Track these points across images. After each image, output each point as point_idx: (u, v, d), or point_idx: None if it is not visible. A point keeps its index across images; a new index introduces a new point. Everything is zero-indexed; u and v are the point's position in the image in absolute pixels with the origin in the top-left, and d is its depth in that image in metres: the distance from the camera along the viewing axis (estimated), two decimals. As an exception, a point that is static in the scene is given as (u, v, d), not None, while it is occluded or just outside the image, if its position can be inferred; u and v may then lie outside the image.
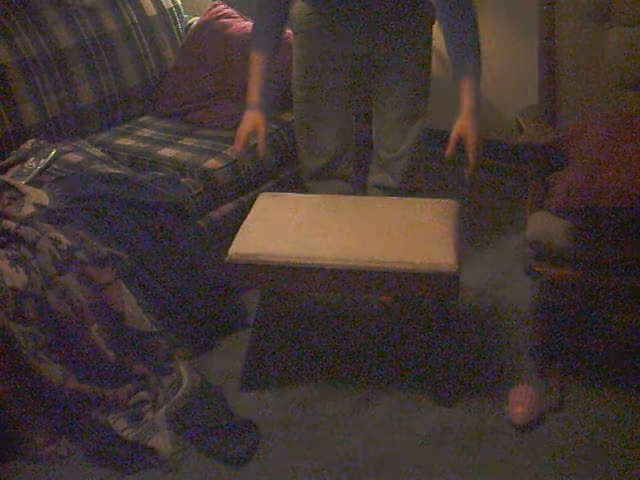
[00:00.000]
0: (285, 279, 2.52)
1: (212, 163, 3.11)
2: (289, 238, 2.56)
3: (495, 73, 3.74)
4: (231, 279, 2.58)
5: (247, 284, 2.65)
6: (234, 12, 3.64)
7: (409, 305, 2.97)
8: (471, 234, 3.21)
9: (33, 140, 3.14)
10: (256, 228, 2.63)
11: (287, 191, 2.99)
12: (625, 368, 2.68)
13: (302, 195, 2.87)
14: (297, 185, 3.18)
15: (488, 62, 3.72)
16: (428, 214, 2.67)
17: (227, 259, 2.53)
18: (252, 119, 2.72)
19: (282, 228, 2.62)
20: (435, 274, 2.43)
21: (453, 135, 2.62)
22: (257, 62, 2.76)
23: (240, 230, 2.64)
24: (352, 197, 2.84)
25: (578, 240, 2.43)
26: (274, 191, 3.04)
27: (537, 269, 2.50)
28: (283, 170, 3.36)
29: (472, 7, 2.71)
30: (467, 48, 2.71)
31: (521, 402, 2.51)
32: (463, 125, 2.63)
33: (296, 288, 2.71)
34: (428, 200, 2.77)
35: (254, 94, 2.74)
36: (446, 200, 2.77)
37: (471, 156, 2.59)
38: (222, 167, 3.11)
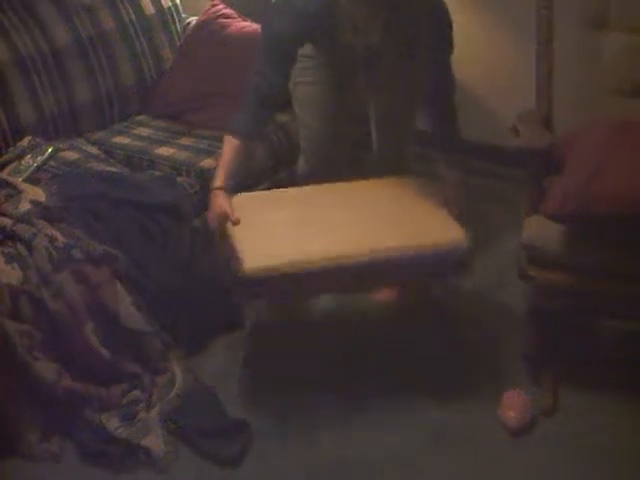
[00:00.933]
0: (307, 284, 2.49)
1: (208, 163, 3.11)
2: (297, 241, 2.50)
3: (492, 77, 3.75)
4: (246, 293, 2.52)
5: (266, 296, 2.60)
6: (233, 12, 3.63)
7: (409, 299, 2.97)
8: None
9: (30, 137, 3.14)
10: (255, 236, 2.53)
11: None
12: (617, 372, 2.68)
13: (278, 191, 2.82)
14: (293, 186, 3.17)
15: (485, 66, 3.76)
16: (419, 192, 2.67)
17: (241, 275, 2.43)
18: (218, 204, 2.61)
19: (281, 232, 2.55)
20: (448, 250, 2.46)
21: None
22: (231, 147, 2.66)
23: (236, 240, 2.53)
24: (328, 186, 2.75)
25: (572, 245, 2.44)
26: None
27: (531, 273, 2.51)
28: (279, 171, 3.36)
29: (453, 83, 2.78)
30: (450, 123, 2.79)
31: (514, 406, 2.52)
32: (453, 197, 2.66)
33: (318, 291, 2.68)
34: (414, 180, 2.76)
35: (220, 179, 2.64)
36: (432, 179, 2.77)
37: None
38: (218, 167, 3.11)
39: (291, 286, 2.48)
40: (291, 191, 2.79)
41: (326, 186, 2.76)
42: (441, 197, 2.64)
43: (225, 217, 2.58)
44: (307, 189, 2.78)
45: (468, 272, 2.60)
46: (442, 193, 2.67)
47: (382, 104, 2.90)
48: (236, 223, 2.56)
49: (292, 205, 2.68)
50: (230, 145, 2.66)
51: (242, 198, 2.70)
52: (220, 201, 2.60)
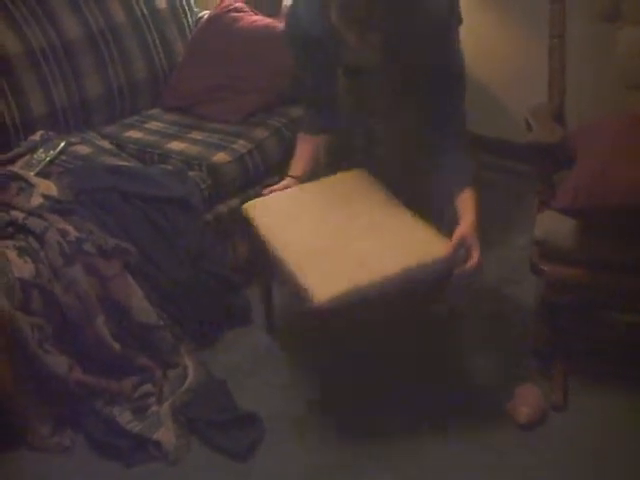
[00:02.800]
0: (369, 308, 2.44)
1: (220, 157, 3.11)
2: (350, 265, 2.44)
3: (504, 71, 3.74)
4: (322, 322, 2.45)
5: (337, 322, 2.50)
6: (244, 6, 3.63)
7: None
8: (479, 233, 3.19)
9: (42, 131, 3.15)
10: (304, 257, 2.48)
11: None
12: (629, 368, 2.67)
13: (286, 195, 2.78)
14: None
15: (498, 60, 3.75)
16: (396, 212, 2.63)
17: (316, 308, 2.35)
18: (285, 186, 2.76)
19: (319, 244, 2.52)
20: (434, 265, 2.42)
21: (456, 239, 2.47)
22: (305, 141, 2.81)
23: (291, 265, 2.46)
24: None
25: (584, 239, 2.43)
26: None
27: (543, 268, 2.50)
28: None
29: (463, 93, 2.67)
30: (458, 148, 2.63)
31: (525, 401, 2.51)
32: (468, 235, 2.47)
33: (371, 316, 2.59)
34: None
35: (296, 169, 2.79)
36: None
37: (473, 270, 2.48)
38: (230, 161, 3.11)
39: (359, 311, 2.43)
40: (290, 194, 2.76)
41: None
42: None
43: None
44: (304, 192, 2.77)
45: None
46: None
47: (391, 113, 2.86)
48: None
49: (310, 213, 2.67)
50: (304, 141, 2.81)
51: (256, 208, 2.73)
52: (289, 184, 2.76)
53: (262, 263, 2.76)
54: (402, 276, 2.40)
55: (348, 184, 2.78)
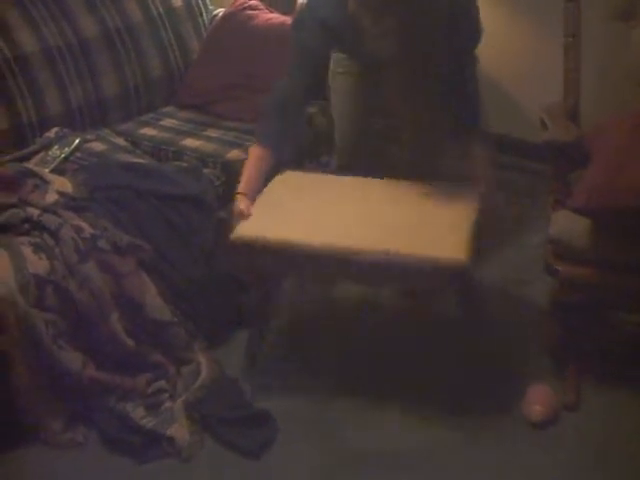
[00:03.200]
0: (286, 264, 2.53)
1: (235, 154, 3.12)
2: (296, 223, 2.55)
3: (519, 70, 3.73)
4: (233, 261, 2.59)
5: (249, 269, 2.63)
6: (259, 4, 3.64)
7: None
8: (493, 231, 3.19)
9: (57, 128, 3.16)
10: (267, 209, 2.61)
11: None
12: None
13: (323, 175, 2.85)
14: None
15: (512, 58, 3.74)
16: (447, 203, 2.62)
17: (230, 242, 2.53)
18: (238, 208, 2.61)
19: (295, 210, 2.60)
20: (443, 268, 2.39)
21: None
22: (256, 156, 2.69)
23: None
24: (375, 181, 2.75)
25: (599, 239, 2.42)
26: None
27: (557, 267, 2.49)
28: (304, 162, 3.36)
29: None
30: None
31: (538, 400, 2.51)
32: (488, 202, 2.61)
33: (295, 273, 2.70)
34: (450, 186, 2.70)
35: (242, 186, 2.66)
36: (469, 188, 2.69)
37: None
38: (244, 158, 3.09)
39: (272, 262, 2.53)
40: (336, 179, 2.82)
41: (359, 180, 2.77)
42: (465, 209, 2.59)
43: (242, 219, 2.59)
44: (343, 180, 2.79)
45: (469, 291, 2.53)
46: (470, 202, 2.62)
47: (410, 107, 2.86)
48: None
49: (327, 191, 2.72)
50: (255, 154, 2.70)
51: (286, 175, 2.78)
52: (241, 205, 2.61)
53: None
54: (386, 259, 2.40)
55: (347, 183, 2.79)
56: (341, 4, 2.61)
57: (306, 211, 2.61)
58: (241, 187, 2.66)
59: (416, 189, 2.69)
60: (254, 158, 2.69)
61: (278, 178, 2.77)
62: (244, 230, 2.54)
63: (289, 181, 2.77)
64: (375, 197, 2.69)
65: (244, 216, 2.58)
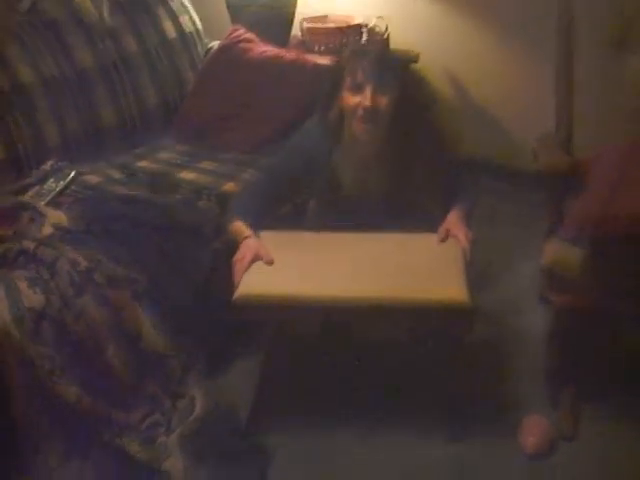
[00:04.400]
0: (293, 319, 2.56)
1: (230, 187, 3.12)
2: (297, 277, 2.55)
3: (512, 99, 3.76)
4: (238, 320, 2.58)
5: (255, 323, 2.65)
6: (254, 37, 3.66)
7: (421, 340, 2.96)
8: (485, 261, 3.20)
9: (52, 161, 3.16)
10: (261, 268, 2.60)
11: (300, 216, 3.00)
12: (638, 398, 2.67)
13: (302, 233, 2.86)
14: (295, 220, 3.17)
15: (505, 88, 3.77)
16: (434, 248, 2.66)
17: (234, 301, 2.53)
18: (253, 247, 2.66)
19: (290, 266, 2.61)
20: (449, 309, 2.42)
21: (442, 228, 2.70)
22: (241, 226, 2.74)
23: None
24: (355, 234, 2.76)
25: (592, 268, 2.43)
26: (290, 215, 3.05)
27: (550, 297, 2.50)
28: (299, 196, 3.35)
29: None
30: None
31: (533, 431, 2.51)
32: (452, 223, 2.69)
33: (304, 327, 2.75)
34: (432, 234, 2.72)
35: (246, 230, 2.72)
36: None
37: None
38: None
39: (277, 317, 2.56)
40: (316, 235, 2.81)
41: (335, 235, 2.77)
42: (451, 251, 2.63)
43: (260, 258, 2.63)
44: (331, 235, 2.79)
45: (467, 331, 2.54)
46: (453, 245, 2.66)
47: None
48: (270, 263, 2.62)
49: (312, 246, 2.73)
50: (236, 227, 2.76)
51: (265, 236, 2.74)
52: (255, 244, 2.66)
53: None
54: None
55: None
56: (326, 154, 2.75)
57: (301, 266, 2.61)
58: (245, 233, 2.70)
59: (397, 238, 2.73)
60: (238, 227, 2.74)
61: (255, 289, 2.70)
62: (248, 288, 2.53)
63: (270, 240, 2.72)
64: (360, 248, 2.69)
65: (265, 256, 2.62)
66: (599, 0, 2.79)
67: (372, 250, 2.67)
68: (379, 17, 3.75)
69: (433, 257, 2.61)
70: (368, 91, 2.61)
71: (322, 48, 3.78)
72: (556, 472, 2.46)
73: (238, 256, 2.65)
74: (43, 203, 2.92)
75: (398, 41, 3.75)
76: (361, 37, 3.81)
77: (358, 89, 2.63)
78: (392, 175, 2.74)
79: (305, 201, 3.05)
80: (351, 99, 2.64)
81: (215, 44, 3.81)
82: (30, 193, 3.01)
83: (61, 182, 3.05)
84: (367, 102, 2.60)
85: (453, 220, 2.71)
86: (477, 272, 2.67)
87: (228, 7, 3.94)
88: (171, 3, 3.76)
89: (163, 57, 3.66)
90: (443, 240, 2.66)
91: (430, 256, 2.62)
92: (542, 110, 2.93)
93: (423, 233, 2.73)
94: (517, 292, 3.17)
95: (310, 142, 2.78)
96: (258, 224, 2.76)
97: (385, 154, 2.73)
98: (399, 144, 2.71)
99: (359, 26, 3.82)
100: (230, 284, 2.62)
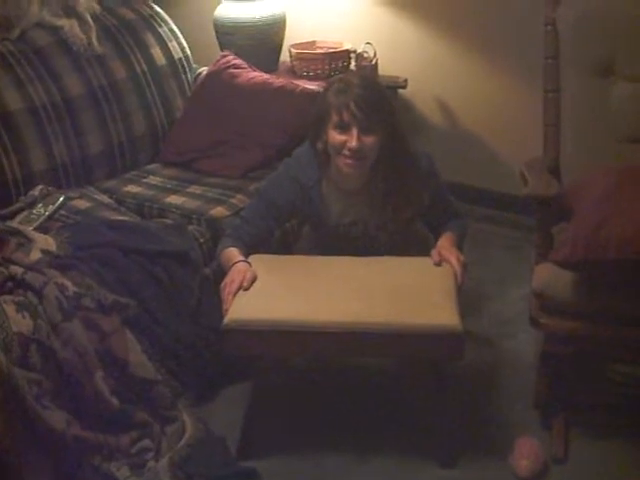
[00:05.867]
0: (285, 344, 2.51)
1: (219, 211, 3.12)
2: (287, 302, 2.54)
3: (500, 124, 3.78)
4: (228, 346, 2.55)
5: (245, 351, 2.60)
6: (243, 63, 3.67)
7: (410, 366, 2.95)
8: (476, 285, 3.20)
9: (41, 186, 3.16)
10: (251, 293, 2.59)
11: (290, 240, 2.99)
12: (630, 420, 2.66)
13: (293, 257, 2.87)
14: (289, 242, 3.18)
15: (492, 113, 3.79)
16: (426, 273, 2.66)
17: (224, 326, 2.50)
18: (240, 272, 2.65)
19: (283, 290, 2.61)
20: (440, 335, 2.41)
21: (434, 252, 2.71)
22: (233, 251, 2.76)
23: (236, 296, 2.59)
24: (346, 258, 2.76)
25: (583, 292, 2.43)
26: (279, 240, 3.05)
27: (542, 321, 2.50)
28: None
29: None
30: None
31: (525, 454, 2.50)
32: (443, 248, 2.71)
33: (296, 353, 2.71)
34: (424, 258, 2.73)
35: (238, 256, 2.73)
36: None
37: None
38: (228, 215, 3.11)
39: (269, 342, 2.51)
40: (307, 259, 2.82)
41: (344, 259, 2.76)
42: (443, 276, 2.63)
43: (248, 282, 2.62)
44: (323, 259, 2.79)
45: (459, 358, 2.50)
46: (445, 270, 2.66)
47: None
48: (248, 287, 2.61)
49: (303, 271, 2.72)
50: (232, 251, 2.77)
51: (255, 260, 2.74)
52: (244, 267, 2.66)
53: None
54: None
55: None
56: (316, 183, 2.76)
57: (294, 290, 2.60)
58: (236, 258, 2.70)
59: (389, 262, 2.73)
60: (230, 252, 2.75)
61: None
62: (238, 313, 2.52)
63: (260, 265, 2.71)
64: (351, 271, 2.69)
65: (248, 280, 2.61)
66: (585, 29, 2.82)
67: (364, 274, 2.67)
68: (367, 43, 3.76)
69: (425, 282, 2.61)
70: (354, 131, 2.60)
71: (311, 74, 3.80)
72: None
73: (227, 280, 2.64)
74: (31, 228, 2.91)
75: (387, 67, 3.78)
76: (349, 63, 3.84)
77: (344, 129, 2.62)
78: (379, 207, 2.75)
79: (300, 226, 3.06)
80: (337, 137, 2.63)
81: (204, 70, 3.82)
82: (18, 218, 3.01)
83: (50, 207, 3.04)
84: (353, 143, 2.60)
85: (445, 244, 2.72)
86: (468, 296, 2.67)
87: (217, 33, 3.95)
88: (160, 29, 3.77)
89: (152, 83, 3.66)
90: (436, 264, 2.66)
91: (422, 280, 2.61)
92: (530, 135, 2.95)
93: (415, 257, 2.74)
94: (508, 316, 3.17)
95: (301, 169, 2.78)
96: (250, 250, 2.76)
97: (371, 187, 2.74)
98: (385, 176, 2.71)
99: (347, 52, 3.84)
100: (219, 308, 2.61)
